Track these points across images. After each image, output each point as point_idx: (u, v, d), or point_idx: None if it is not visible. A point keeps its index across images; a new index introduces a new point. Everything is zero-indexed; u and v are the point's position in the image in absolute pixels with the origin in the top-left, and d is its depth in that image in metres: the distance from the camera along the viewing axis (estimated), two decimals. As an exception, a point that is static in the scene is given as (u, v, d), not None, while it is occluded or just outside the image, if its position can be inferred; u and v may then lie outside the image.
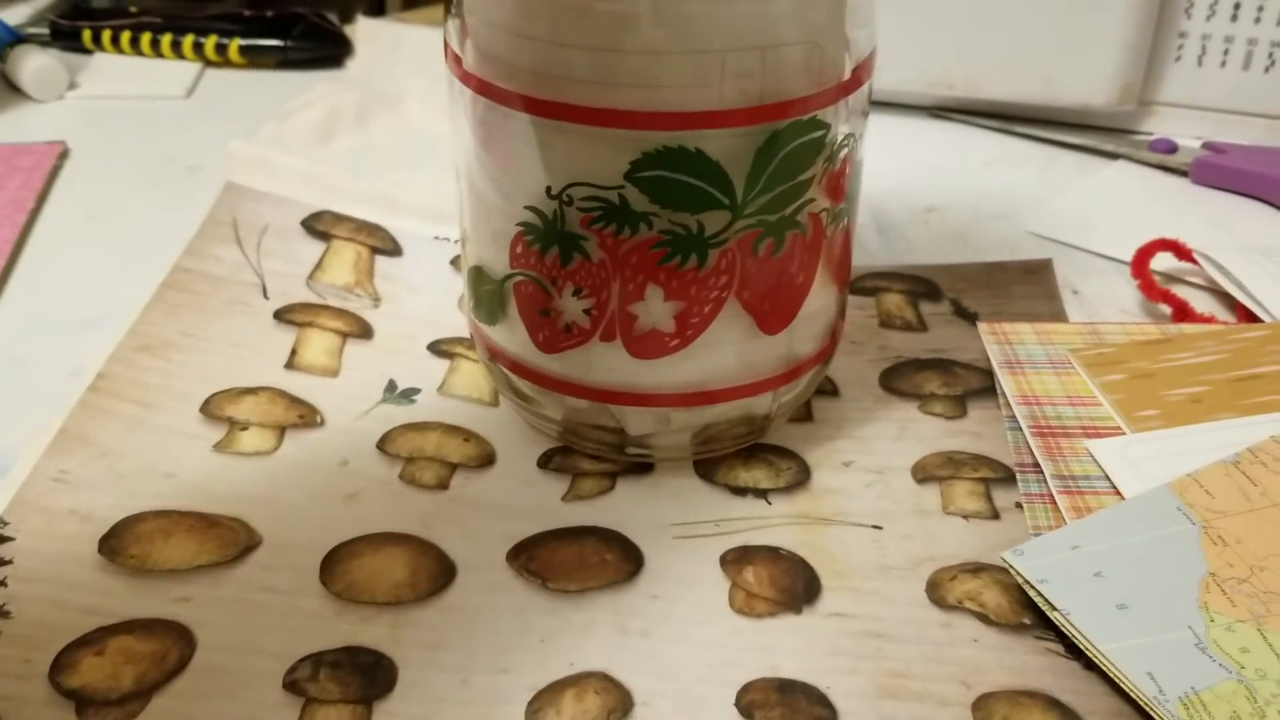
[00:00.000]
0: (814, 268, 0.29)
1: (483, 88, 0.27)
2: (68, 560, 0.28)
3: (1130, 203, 0.47)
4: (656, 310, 0.28)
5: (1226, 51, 0.49)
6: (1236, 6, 0.48)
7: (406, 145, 0.49)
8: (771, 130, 0.26)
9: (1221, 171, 0.47)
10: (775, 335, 0.29)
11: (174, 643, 0.26)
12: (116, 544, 0.28)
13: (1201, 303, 0.39)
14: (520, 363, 0.31)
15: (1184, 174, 0.48)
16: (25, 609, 0.26)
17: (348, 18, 0.62)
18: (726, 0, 0.25)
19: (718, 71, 0.25)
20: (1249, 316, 0.38)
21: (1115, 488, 0.30)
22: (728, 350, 0.29)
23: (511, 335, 0.30)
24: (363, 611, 0.27)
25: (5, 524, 0.28)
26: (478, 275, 0.31)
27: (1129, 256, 0.41)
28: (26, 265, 0.41)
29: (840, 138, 0.28)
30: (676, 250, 0.27)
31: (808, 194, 0.28)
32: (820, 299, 0.30)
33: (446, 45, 0.29)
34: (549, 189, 0.27)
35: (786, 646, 0.26)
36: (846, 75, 0.27)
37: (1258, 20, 0.48)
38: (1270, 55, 0.49)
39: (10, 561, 0.27)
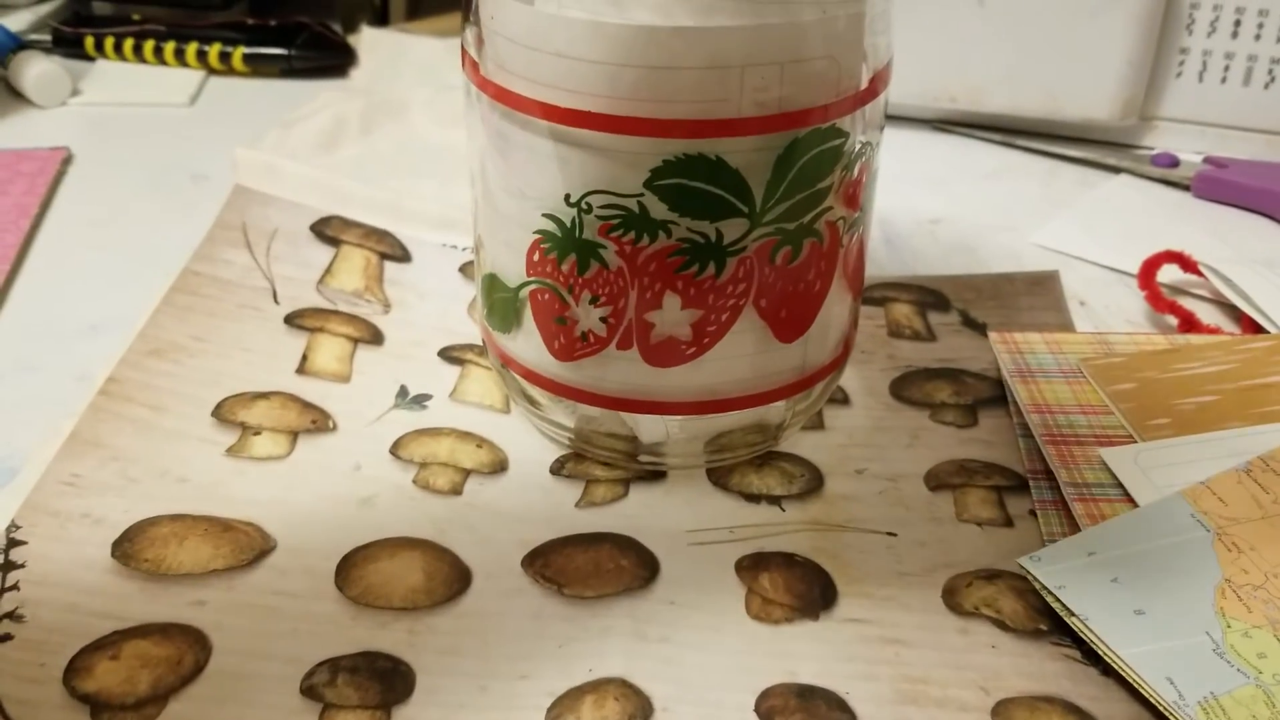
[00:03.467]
0: (830, 276, 0.29)
1: (500, 94, 0.27)
2: (81, 564, 0.27)
3: (1133, 216, 0.47)
4: (674, 318, 0.28)
5: (1227, 68, 0.50)
6: (1237, 23, 0.49)
7: (412, 154, 0.49)
8: (792, 138, 0.26)
9: (1223, 186, 0.48)
10: (791, 344, 0.29)
11: (189, 647, 0.26)
12: (130, 548, 0.28)
13: (1207, 314, 0.39)
14: (534, 370, 0.31)
15: (1186, 188, 0.49)
16: (38, 613, 0.26)
17: (351, 27, 0.63)
18: (747, 17, 0.25)
19: (737, 85, 0.25)
20: (1254, 327, 0.38)
21: (1128, 495, 0.30)
22: (743, 359, 0.29)
23: (526, 343, 0.30)
24: (379, 616, 0.27)
25: (17, 528, 0.28)
26: (492, 282, 0.31)
27: (1133, 268, 0.41)
28: (31, 270, 0.41)
29: (858, 146, 0.28)
30: (695, 258, 0.27)
31: (825, 202, 0.28)
32: (835, 308, 0.30)
33: (464, 52, 0.29)
34: (567, 196, 0.27)
35: (804, 652, 0.26)
36: (864, 84, 0.27)
37: (1258, 37, 0.49)
38: (1270, 72, 0.49)
39: (23, 565, 0.27)
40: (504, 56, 0.27)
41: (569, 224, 0.27)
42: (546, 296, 0.29)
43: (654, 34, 0.25)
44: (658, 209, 0.26)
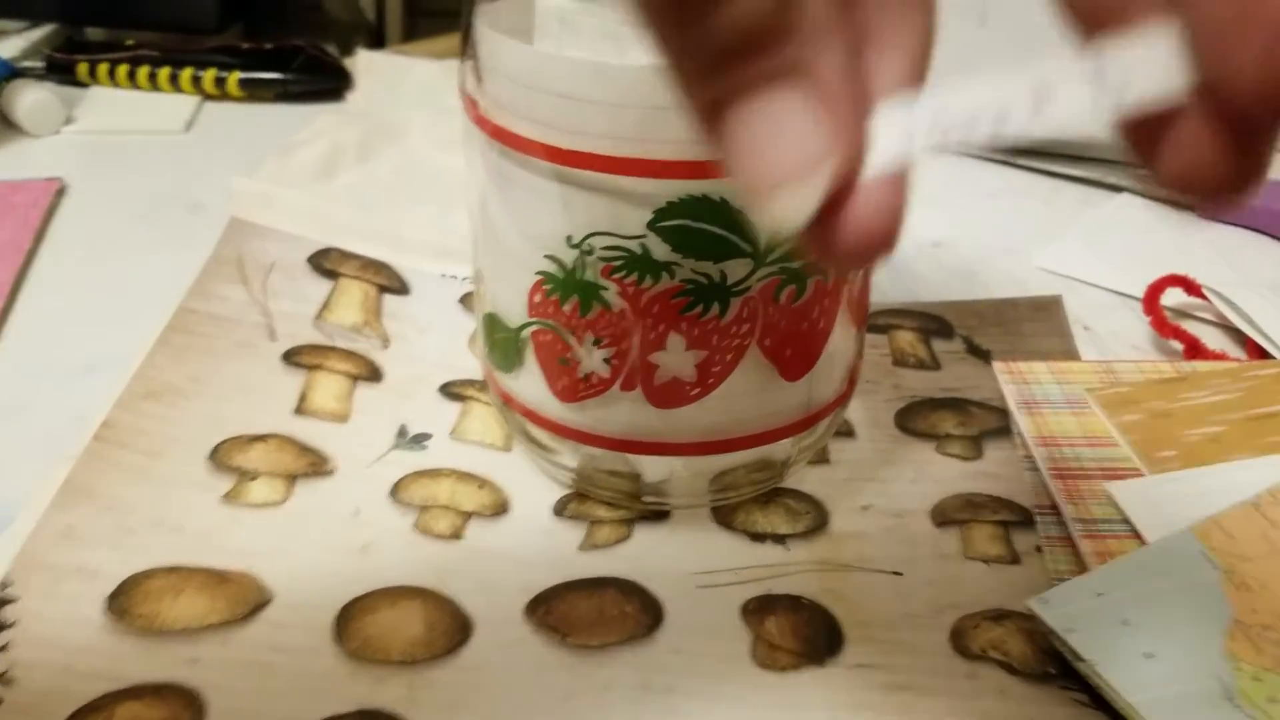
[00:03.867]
0: (834, 313, 0.29)
1: (499, 133, 0.27)
2: (74, 622, 0.27)
3: (1136, 236, 0.47)
4: (678, 359, 0.28)
5: (1228, 85, 0.49)
6: (1238, 41, 0.49)
7: (410, 180, 0.49)
8: (794, 178, 0.26)
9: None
10: (796, 382, 0.29)
11: (184, 709, 0.25)
12: (125, 602, 0.28)
13: (1212, 338, 0.39)
14: (536, 411, 0.30)
15: (1189, 207, 0.48)
16: (30, 675, 0.25)
17: (347, 50, 0.62)
18: None
19: None
20: (1259, 352, 0.38)
21: (1136, 531, 0.30)
22: (748, 398, 0.29)
23: (528, 383, 0.30)
24: (378, 671, 0.26)
25: (10, 584, 0.28)
26: (493, 322, 0.30)
27: (1137, 291, 0.41)
28: (25, 307, 0.40)
29: (861, 183, 0.28)
30: (699, 299, 0.27)
31: (829, 240, 0.27)
32: (840, 344, 0.30)
33: (462, 89, 0.29)
34: (569, 238, 0.27)
35: (812, 701, 0.26)
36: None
37: (1258, 54, 0.49)
38: (1272, 89, 0.49)
39: (14, 625, 0.27)
40: (503, 95, 0.27)
41: (571, 265, 0.27)
42: (549, 337, 0.28)
43: (656, 74, 0.24)
44: (661, 250, 0.26)
